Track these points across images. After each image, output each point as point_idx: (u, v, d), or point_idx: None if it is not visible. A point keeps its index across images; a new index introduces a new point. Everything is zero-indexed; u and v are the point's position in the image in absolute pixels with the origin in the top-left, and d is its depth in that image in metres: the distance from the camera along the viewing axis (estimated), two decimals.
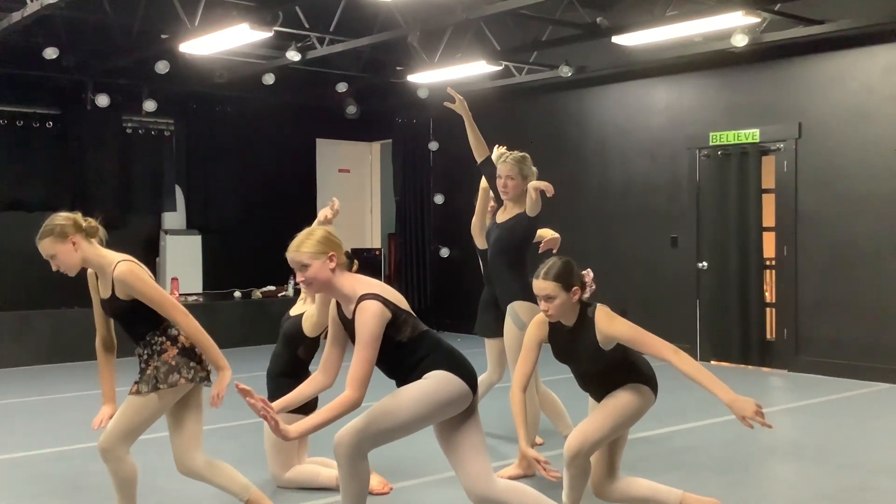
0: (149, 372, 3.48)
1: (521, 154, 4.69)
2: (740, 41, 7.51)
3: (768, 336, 8.51)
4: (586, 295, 3.50)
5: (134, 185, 10.54)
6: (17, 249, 9.55)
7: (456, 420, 3.24)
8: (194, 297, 10.27)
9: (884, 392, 7.21)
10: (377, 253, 11.92)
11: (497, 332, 4.99)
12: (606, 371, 3.54)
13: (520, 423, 3.39)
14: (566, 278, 3.43)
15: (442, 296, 11.58)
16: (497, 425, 5.51)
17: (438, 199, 11.54)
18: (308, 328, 4.36)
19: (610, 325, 3.41)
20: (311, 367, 4.31)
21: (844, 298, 7.86)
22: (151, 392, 3.46)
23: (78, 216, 3.54)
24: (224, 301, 10.48)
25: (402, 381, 3.25)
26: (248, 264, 10.84)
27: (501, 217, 4.70)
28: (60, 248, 3.43)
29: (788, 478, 4.86)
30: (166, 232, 10.60)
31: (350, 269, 3.33)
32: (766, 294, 8.66)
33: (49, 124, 9.91)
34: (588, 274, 3.50)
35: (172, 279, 10.05)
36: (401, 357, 3.21)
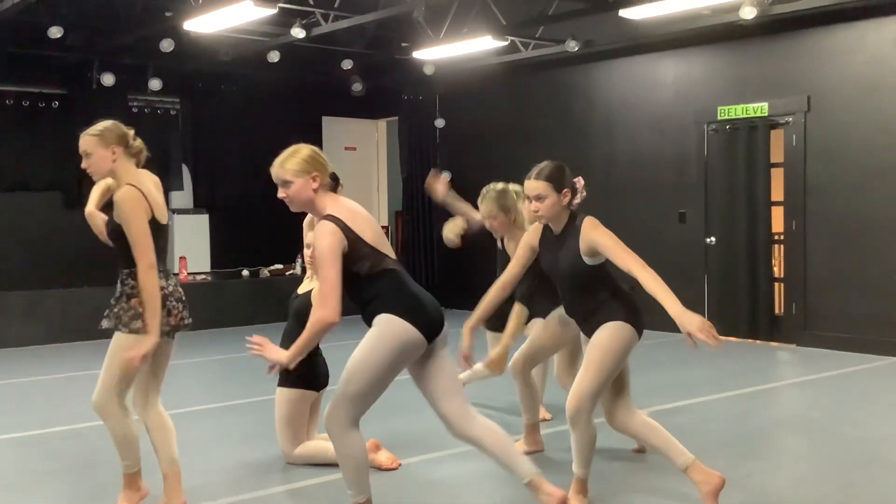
0: (115, 310, 3.51)
1: (498, 189, 4.54)
2: (749, 14, 7.43)
3: (777, 311, 8.50)
4: (576, 200, 3.56)
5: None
6: (26, 229, 9.63)
7: (422, 365, 3.27)
8: (202, 276, 10.30)
9: (892, 366, 7.21)
10: (384, 230, 11.93)
11: (497, 326, 5.11)
12: (588, 293, 3.54)
13: (480, 307, 3.72)
14: (557, 179, 3.50)
15: (449, 273, 11.59)
16: (504, 399, 5.53)
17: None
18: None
19: (593, 231, 3.45)
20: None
21: (853, 272, 7.83)
22: (115, 330, 3.47)
23: (130, 132, 3.56)
24: (232, 280, 10.51)
25: (361, 314, 3.27)
26: (255, 243, 10.86)
27: (509, 247, 4.60)
28: (99, 152, 3.48)
29: (796, 451, 4.87)
30: (174, 211, 10.61)
31: (335, 191, 3.33)
32: (775, 269, 8.65)
33: (55, 104, 9.91)
34: (579, 181, 3.56)
35: (180, 258, 10.08)
36: (357, 290, 3.23)
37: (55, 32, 8.40)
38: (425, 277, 11.49)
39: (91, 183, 3.75)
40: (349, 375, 3.19)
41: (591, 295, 3.56)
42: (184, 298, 3.63)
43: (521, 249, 3.71)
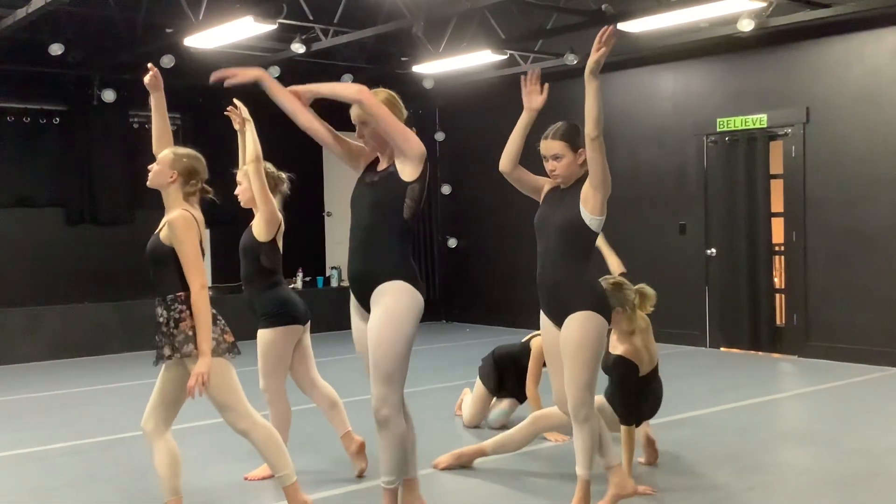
0: (167, 338, 3.51)
1: (611, 283, 4.43)
2: (746, 26, 7.46)
3: (778, 322, 8.49)
4: None
5: (142, 180, 10.25)
6: (27, 245, 9.63)
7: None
8: None
9: (894, 376, 7.19)
10: None
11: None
12: (568, 253, 3.53)
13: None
14: (573, 138, 3.66)
15: (450, 286, 11.59)
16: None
17: (445, 189, 11.52)
18: (259, 232, 4.38)
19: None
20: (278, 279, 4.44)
21: (854, 283, 7.83)
22: (175, 356, 3.47)
23: (201, 176, 3.80)
24: (234, 294, 10.50)
25: (367, 236, 3.38)
26: None
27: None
28: (164, 168, 3.70)
29: (799, 463, 4.85)
30: None
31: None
32: (776, 280, 8.64)
33: (56, 120, 9.93)
34: None
35: None
36: (385, 221, 3.35)
37: (56, 49, 8.44)
38: (426, 291, 11.46)
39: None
40: (383, 357, 3.24)
41: (571, 261, 3.53)
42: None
43: (537, 181, 3.77)
